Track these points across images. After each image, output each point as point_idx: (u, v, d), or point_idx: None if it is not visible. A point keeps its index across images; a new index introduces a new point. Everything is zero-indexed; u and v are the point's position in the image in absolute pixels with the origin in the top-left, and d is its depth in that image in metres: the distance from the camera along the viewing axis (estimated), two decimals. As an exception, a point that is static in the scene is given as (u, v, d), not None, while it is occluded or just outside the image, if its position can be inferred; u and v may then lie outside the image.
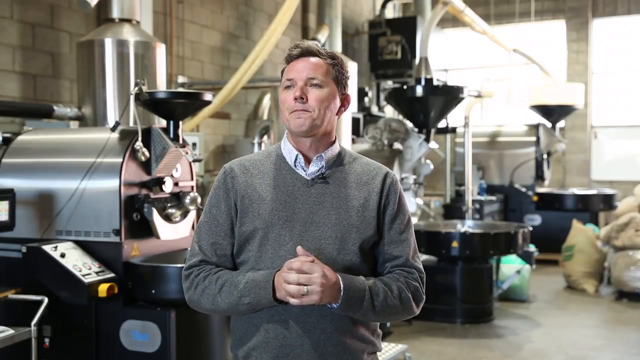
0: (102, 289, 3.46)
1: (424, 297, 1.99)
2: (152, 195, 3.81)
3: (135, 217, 3.73)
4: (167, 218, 3.88)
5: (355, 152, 2.14)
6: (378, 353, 2.06)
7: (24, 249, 3.56)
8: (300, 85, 1.92)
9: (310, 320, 1.87)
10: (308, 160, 1.98)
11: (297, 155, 1.97)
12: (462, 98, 7.47)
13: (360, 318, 1.90)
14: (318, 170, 1.97)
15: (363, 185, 1.98)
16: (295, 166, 1.98)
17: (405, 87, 7.86)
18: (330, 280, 1.78)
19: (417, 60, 8.09)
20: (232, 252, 1.98)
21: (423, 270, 2.02)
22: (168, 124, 3.80)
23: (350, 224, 1.92)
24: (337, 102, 1.99)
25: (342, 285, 1.81)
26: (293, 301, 1.77)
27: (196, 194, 4.03)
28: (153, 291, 3.57)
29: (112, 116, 4.32)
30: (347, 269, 1.89)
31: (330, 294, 1.78)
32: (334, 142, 2.02)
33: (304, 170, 1.97)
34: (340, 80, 1.99)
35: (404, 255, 1.98)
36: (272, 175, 1.98)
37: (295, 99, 1.91)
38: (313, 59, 1.95)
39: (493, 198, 9.81)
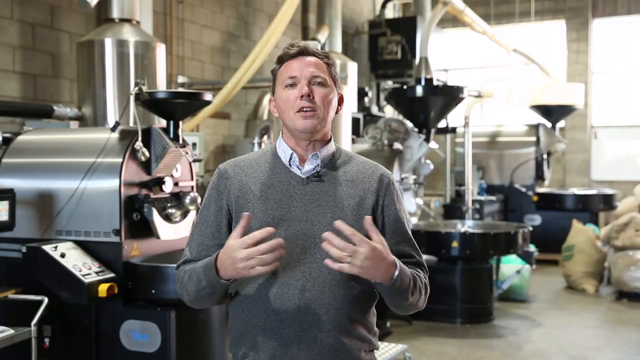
0: (102, 289, 3.46)
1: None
2: (152, 195, 3.81)
3: (135, 217, 3.73)
4: (167, 218, 3.88)
5: (355, 152, 2.14)
6: (376, 352, 2.06)
7: (24, 249, 3.57)
8: (305, 83, 1.92)
9: (307, 319, 1.87)
10: (303, 159, 1.98)
11: (291, 154, 1.97)
12: (462, 98, 7.48)
13: (391, 300, 1.89)
14: (313, 169, 1.97)
15: (358, 184, 1.98)
16: (290, 165, 1.98)
17: (405, 87, 7.86)
18: (378, 257, 1.75)
19: (417, 60, 8.09)
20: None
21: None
22: (168, 124, 3.80)
23: (346, 223, 1.91)
24: (336, 102, 2.00)
25: (398, 265, 1.81)
26: (259, 270, 1.74)
27: (196, 194, 4.03)
28: (153, 291, 3.58)
29: (112, 116, 4.32)
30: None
31: (373, 272, 1.76)
32: (329, 140, 2.02)
33: (299, 169, 1.97)
34: (335, 80, 2.00)
35: (414, 254, 2.01)
36: (267, 174, 1.98)
37: (302, 96, 1.90)
38: (311, 58, 1.95)
39: (493, 198, 9.81)
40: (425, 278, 2.01)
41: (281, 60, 1.98)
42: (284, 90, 1.95)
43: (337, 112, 2.03)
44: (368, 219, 1.80)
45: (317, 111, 1.92)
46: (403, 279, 1.83)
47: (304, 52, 1.96)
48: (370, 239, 1.77)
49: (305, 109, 1.90)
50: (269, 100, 2.07)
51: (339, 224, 1.75)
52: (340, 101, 2.03)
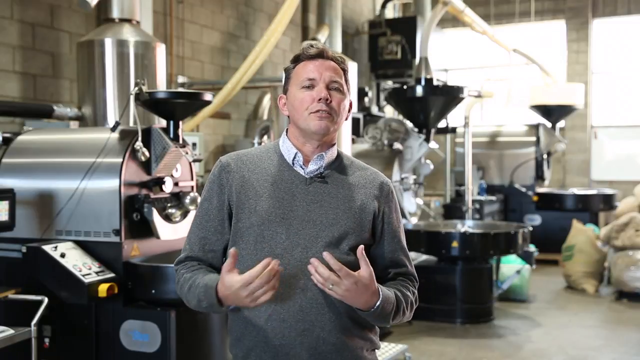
0: (102, 289, 3.46)
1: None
2: (152, 195, 3.81)
3: (135, 217, 3.73)
4: (167, 218, 3.88)
5: (355, 152, 2.15)
6: (377, 351, 2.07)
7: (24, 249, 3.56)
8: (324, 87, 1.92)
9: (309, 318, 1.87)
10: (307, 160, 1.98)
11: (296, 154, 1.97)
12: (462, 98, 7.48)
13: (371, 321, 1.94)
14: (317, 169, 1.97)
15: (360, 188, 1.99)
16: (293, 164, 1.98)
17: (405, 87, 7.86)
18: (360, 288, 1.79)
19: (417, 60, 8.09)
20: (222, 248, 1.99)
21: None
22: (168, 124, 3.80)
23: (347, 225, 1.92)
24: (347, 108, 2.01)
25: (381, 296, 1.84)
26: (261, 300, 1.79)
27: (196, 194, 4.03)
28: (153, 291, 3.57)
29: (112, 116, 4.32)
30: None
31: (355, 300, 1.81)
32: (334, 144, 2.03)
33: (303, 169, 1.97)
34: (349, 86, 2.01)
35: (406, 263, 2.04)
36: (270, 171, 1.98)
37: (320, 100, 1.90)
38: (330, 62, 1.96)
39: (493, 198, 9.81)
40: (413, 292, 2.02)
41: (297, 59, 1.98)
42: (300, 91, 1.94)
43: (348, 118, 2.03)
44: (360, 249, 1.81)
45: (333, 116, 1.93)
46: (384, 307, 1.86)
47: (322, 54, 1.95)
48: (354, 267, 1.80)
49: (321, 112, 1.91)
50: (278, 98, 2.07)
51: (328, 256, 1.78)
52: (350, 107, 2.03)
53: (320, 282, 1.79)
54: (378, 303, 1.84)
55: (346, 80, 1.99)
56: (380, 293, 1.84)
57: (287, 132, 2.03)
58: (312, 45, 1.97)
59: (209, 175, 2.03)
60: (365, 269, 1.80)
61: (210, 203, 1.99)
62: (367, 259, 1.81)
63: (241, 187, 1.96)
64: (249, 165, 1.99)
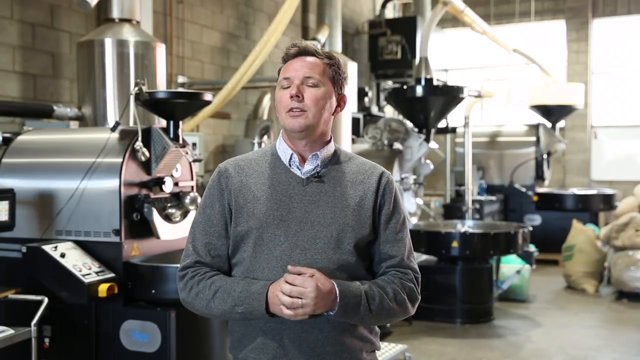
0: (102, 289, 3.46)
1: (419, 296, 2.00)
2: (152, 195, 3.81)
3: (135, 217, 3.73)
4: (167, 218, 3.88)
5: (355, 152, 2.14)
6: (377, 352, 2.06)
7: (24, 249, 3.56)
8: (297, 84, 1.92)
9: (308, 320, 1.86)
10: (303, 160, 1.98)
11: (291, 155, 1.97)
12: (462, 98, 7.48)
13: (356, 323, 1.91)
14: (313, 169, 1.97)
15: (358, 184, 1.98)
16: (290, 165, 1.97)
17: (405, 87, 7.86)
18: (324, 291, 1.78)
19: (417, 60, 8.09)
20: (227, 252, 1.98)
21: (418, 270, 2.02)
22: (168, 124, 3.80)
23: (346, 223, 1.91)
24: (334, 102, 1.99)
25: (338, 293, 1.81)
26: (287, 313, 1.78)
27: (196, 194, 4.03)
28: (153, 291, 3.57)
29: (112, 116, 4.32)
30: (343, 267, 1.90)
31: (324, 304, 1.79)
32: (329, 141, 2.02)
33: (299, 169, 1.97)
34: (336, 80, 1.99)
35: (399, 255, 1.97)
36: (267, 174, 1.97)
37: (292, 97, 1.91)
38: (310, 59, 1.96)
39: (493, 198, 9.81)
40: (404, 284, 1.94)
41: (284, 60, 2.00)
42: (279, 91, 1.96)
43: (336, 113, 2.02)
44: (290, 268, 1.81)
45: (307, 111, 1.92)
46: (347, 300, 1.81)
47: (302, 52, 1.96)
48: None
49: (294, 110, 1.91)
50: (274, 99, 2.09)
51: (290, 269, 1.81)
52: (341, 101, 2.03)
53: (288, 303, 1.76)
54: (337, 292, 1.80)
55: (331, 75, 1.97)
56: (334, 282, 1.81)
57: (282, 133, 2.03)
58: (294, 45, 1.98)
59: (209, 182, 2.03)
60: (309, 270, 1.80)
61: (213, 209, 1.98)
62: (300, 268, 1.81)
63: (239, 192, 1.96)
64: (246, 170, 1.99)
